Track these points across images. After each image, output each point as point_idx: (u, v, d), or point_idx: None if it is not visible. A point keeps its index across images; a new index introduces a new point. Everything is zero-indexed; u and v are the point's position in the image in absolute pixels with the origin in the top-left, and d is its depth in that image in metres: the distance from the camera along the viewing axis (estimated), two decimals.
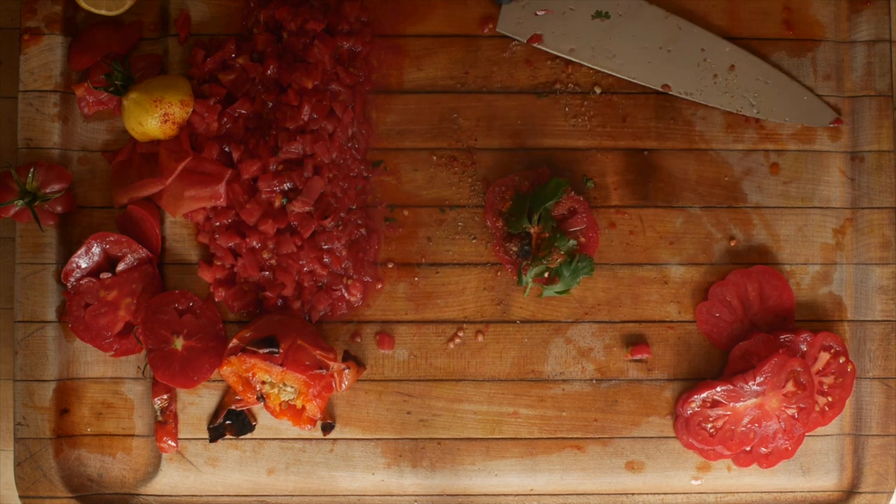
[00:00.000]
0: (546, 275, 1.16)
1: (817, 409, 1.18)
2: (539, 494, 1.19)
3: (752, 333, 1.18)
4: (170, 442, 1.17)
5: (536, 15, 1.18)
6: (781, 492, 1.20)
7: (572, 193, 1.17)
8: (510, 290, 1.19)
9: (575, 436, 1.19)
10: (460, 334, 1.19)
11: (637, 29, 1.19)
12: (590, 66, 1.18)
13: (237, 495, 1.19)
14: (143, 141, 1.17)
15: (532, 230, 1.15)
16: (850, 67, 1.21)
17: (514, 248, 1.16)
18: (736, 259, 1.20)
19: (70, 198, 1.18)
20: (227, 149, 1.16)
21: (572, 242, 1.14)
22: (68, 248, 1.18)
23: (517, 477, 1.19)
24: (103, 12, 1.18)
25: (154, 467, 1.18)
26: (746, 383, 1.15)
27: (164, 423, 1.17)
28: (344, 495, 1.19)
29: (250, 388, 1.14)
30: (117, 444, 1.18)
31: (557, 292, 1.16)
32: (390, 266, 1.19)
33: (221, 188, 1.15)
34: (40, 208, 1.16)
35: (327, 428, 1.17)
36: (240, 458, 1.18)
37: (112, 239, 1.17)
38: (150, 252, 1.17)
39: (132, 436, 1.18)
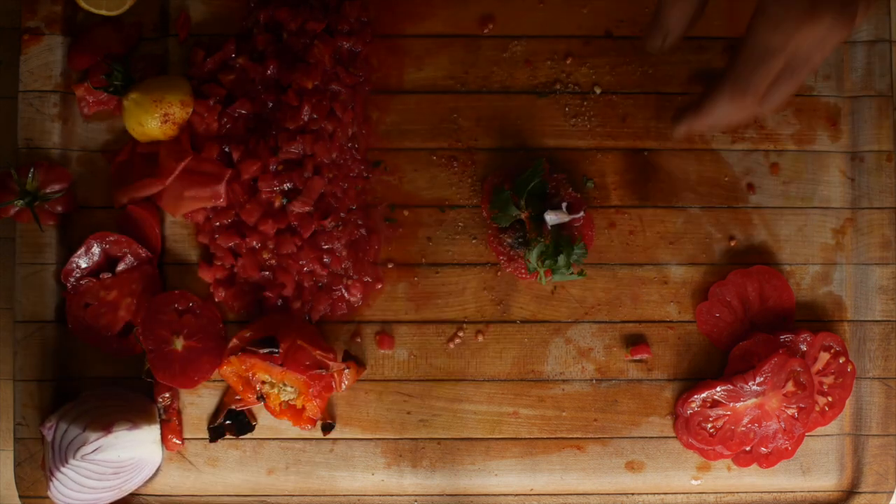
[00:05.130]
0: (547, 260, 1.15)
1: (817, 409, 1.18)
2: (539, 494, 1.20)
3: (752, 333, 1.18)
4: (175, 440, 1.17)
5: None
6: (781, 492, 1.20)
7: (570, 190, 1.17)
8: (510, 290, 1.19)
9: (575, 436, 1.19)
10: (460, 334, 1.19)
11: None
12: None
13: (237, 495, 1.19)
14: (144, 141, 1.17)
15: (522, 216, 1.14)
16: (850, 67, 1.21)
17: (509, 240, 1.15)
18: (736, 259, 1.20)
19: (70, 198, 1.18)
20: (227, 149, 1.16)
21: (554, 217, 1.13)
22: (68, 248, 1.18)
23: (517, 477, 1.19)
24: (103, 12, 1.18)
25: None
26: (746, 383, 1.15)
27: (168, 421, 1.17)
28: (344, 495, 1.19)
29: (250, 388, 1.14)
30: None
31: (570, 274, 1.14)
32: (390, 266, 1.19)
33: (221, 188, 1.15)
34: (40, 208, 1.16)
35: (327, 428, 1.17)
36: (240, 458, 1.18)
37: (112, 239, 1.17)
38: (150, 252, 1.17)
39: None
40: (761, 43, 1.01)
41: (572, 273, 1.15)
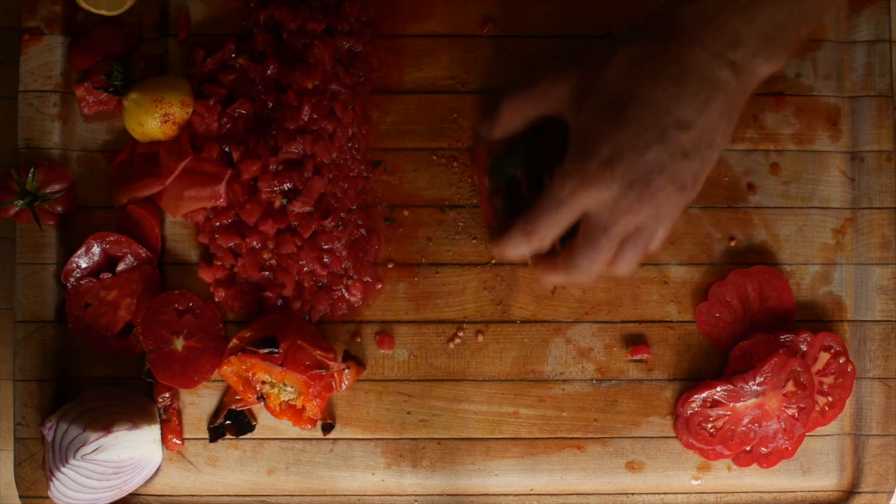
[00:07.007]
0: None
1: (817, 409, 1.18)
2: (539, 494, 1.20)
3: (752, 333, 1.18)
4: (175, 440, 1.17)
5: None
6: (781, 492, 1.20)
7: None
8: (510, 290, 1.19)
9: (575, 436, 1.19)
10: (460, 334, 1.19)
11: None
12: None
13: (237, 495, 1.19)
14: (144, 141, 1.17)
15: (518, 174, 1.08)
16: (850, 67, 1.21)
17: (501, 202, 1.09)
18: (736, 259, 1.20)
19: (70, 198, 1.18)
20: (227, 149, 1.16)
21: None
22: (68, 248, 1.18)
23: (517, 477, 1.19)
24: (103, 12, 1.18)
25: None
26: (746, 383, 1.15)
27: (168, 420, 1.17)
28: (344, 495, 1.19)
29: (250, 388, 1.14)
30: None
31: None
32: (390, 266, 1.19)
33: (221, 188, 1.15)
34: (40, 208, 1.16)
35: (327, 428, 1.17)
36: (240, 458, 1.18)
37: (112, 239, 1.17)
38: (150, 252, 1.17)
39: None
40: (553, 189, 0.97)
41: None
